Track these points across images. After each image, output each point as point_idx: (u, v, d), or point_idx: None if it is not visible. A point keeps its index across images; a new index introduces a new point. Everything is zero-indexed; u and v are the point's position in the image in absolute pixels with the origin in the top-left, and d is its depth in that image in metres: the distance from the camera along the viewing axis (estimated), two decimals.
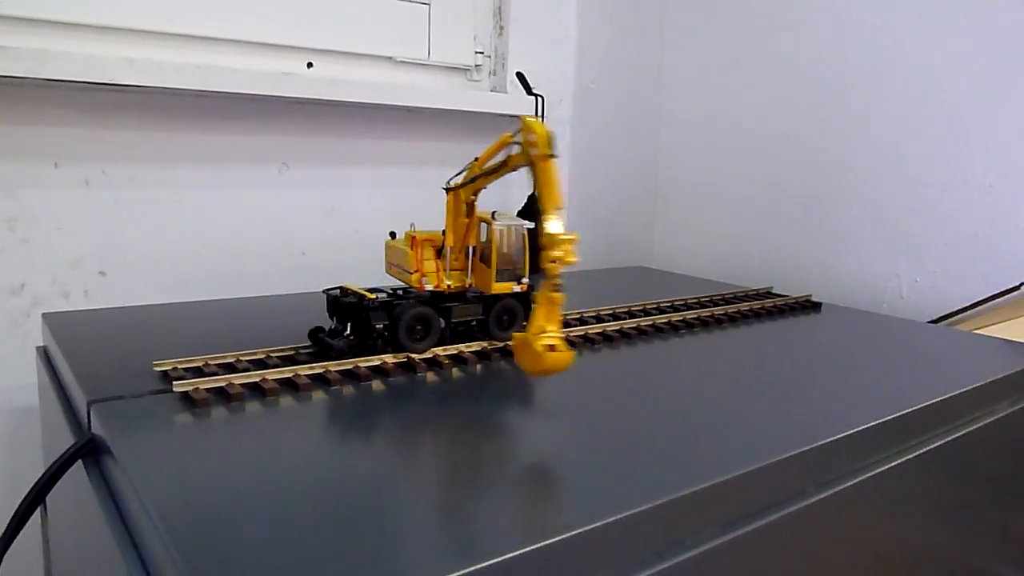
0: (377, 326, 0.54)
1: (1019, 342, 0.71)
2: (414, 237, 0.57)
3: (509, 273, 0.58)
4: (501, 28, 1.18)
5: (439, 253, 0.57)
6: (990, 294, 0.84)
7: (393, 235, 0.62)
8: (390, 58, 1.07)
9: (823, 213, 0.99)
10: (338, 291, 0.57)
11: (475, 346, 0.59)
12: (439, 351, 0.57)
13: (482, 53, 1.17)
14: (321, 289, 0.61)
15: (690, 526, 0.37)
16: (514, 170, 0.52)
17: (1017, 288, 0.82)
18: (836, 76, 0.96)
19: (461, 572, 0.29)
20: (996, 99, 0.82)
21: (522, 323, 0.61)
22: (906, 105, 0.90)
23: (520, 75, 1.16)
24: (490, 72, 1.19)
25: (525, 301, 0.61)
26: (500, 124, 1.17)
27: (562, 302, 0.48)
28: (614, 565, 0.34)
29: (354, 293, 0.56)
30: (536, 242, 0.50)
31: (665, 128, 1.18)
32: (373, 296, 0.55)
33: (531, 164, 0.49)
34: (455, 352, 0.58)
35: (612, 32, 1.22)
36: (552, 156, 0.48)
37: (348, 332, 0.56)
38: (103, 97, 0.85)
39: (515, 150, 0.50)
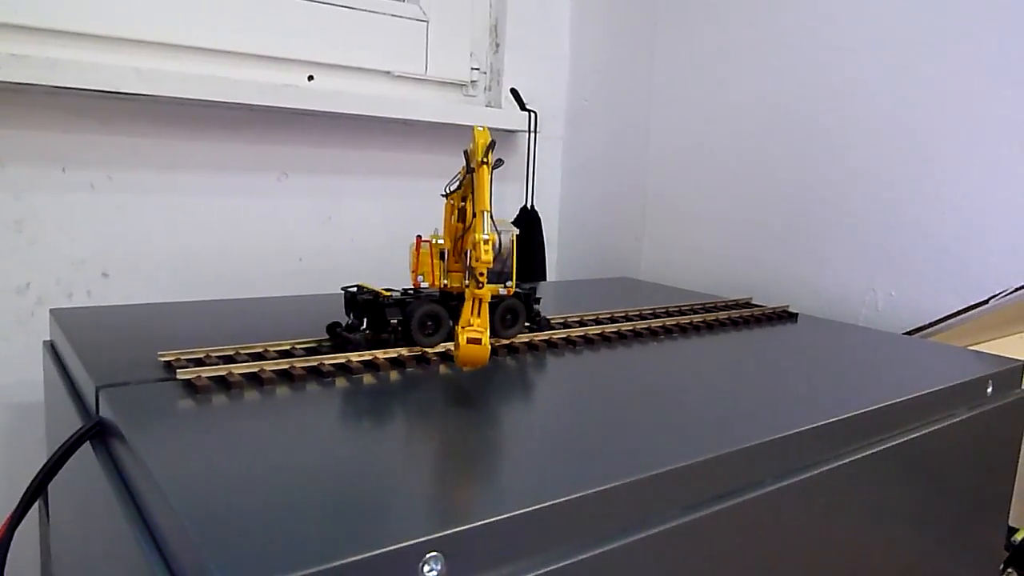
0: (392, 321, 0.58)
1: (983, 352, 0.74)
2: (418, 238, 0.60)
3: (495, 276, 0.62)
4: (497, 45, 1.22)
5: (443, 255, 0.61)
6: (961, 307, 0.88)
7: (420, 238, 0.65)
8: (388, 72, 1.10)
9: (803, 229, 1.02)
10: (355, 289, 0.61)
11: None
12: (449, 346, 0.61)
13: (478, 69, 1.21)
14: (332, 289, 0.65)
15: (654, 505, 0.40)
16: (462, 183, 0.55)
17: (985, 302, 0.86)
18: (815, 98, 1.00)
19: (437, 534, 0.32)
20: (965, 121, 0.86)
21: (524, 323, 0.65)
22: (881, 126, 0.93)
23: (514, 91, 1.20)
24: (485, 88, 1.23)
25: (527, 302, 0.66)
26: (494, 138, 1.21)
27: (487, 297, 0.51)
28: (584, 535, 0.37)
29: (370, 291, 0.61)
30: (518, 248, 0.54)
31: (653, 146, 1.21)
32: (388, 293, 0.59)
33: (471, 170, 0.51)
34: None
35: (604, 52, 1.26)
36: (484, 164, 0.51)
37: (364, 327, 0.60)
38: (110, 105, 0.88)
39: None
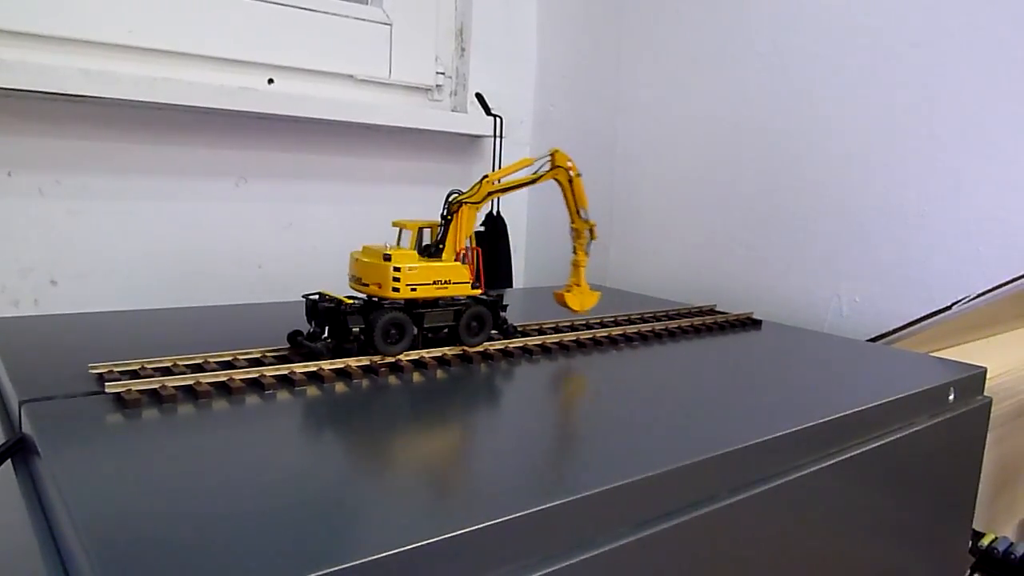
0: (354, 329, 0.57)
1: (945, 359, 0.74)
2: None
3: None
4: (462, 49, 1.20)
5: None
6: (924, 314, 0.88)
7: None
8: (351, 76, 1.08)
9: (768, 237, 1.02)
10: (317, 296, 0.60)
11: (446, 351, 0.62)
12: (412, 355, 0.60)
13: (443, 73, 1.19)
14: (292, 297, 0.63)
15: (602, 523, 0.38)
16: (533, 183, 0.69)
17: (948, 308, 0.86)
18: (780, 106, 0.99)
19: (366, 558, 0.30)
20: (926, 134, 0.86)
21: (490, 330, 0.64)
22: (845, 134, 0.93)
23: (479, 96, 1.19)
24: (451, 92, 1.21)
25: (494, 309, 0.65)
26: (460, 143, 1.19)
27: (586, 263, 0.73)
28: (528, 556, 0.35)
29: (332, 299, 0.59)
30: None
31: (620, 153, 1.21)
32: (351, 301, 0.58)
33: (568, 180, 0.70)
34: (421, 356, 0.60)
35: (571, 58, 1.25)
36: (580, 175, 0.70)
37: (326, 335, 0.58)
38: (59, 107, 0.85)
39: (545, 168, 0.69)
